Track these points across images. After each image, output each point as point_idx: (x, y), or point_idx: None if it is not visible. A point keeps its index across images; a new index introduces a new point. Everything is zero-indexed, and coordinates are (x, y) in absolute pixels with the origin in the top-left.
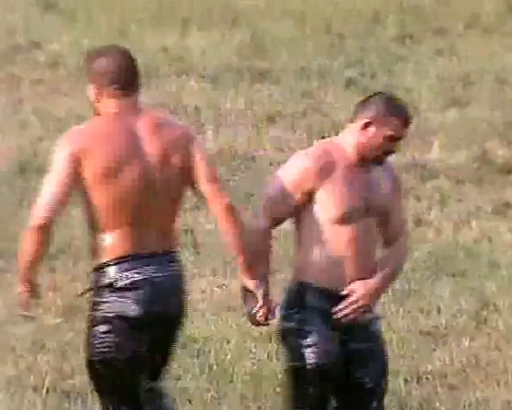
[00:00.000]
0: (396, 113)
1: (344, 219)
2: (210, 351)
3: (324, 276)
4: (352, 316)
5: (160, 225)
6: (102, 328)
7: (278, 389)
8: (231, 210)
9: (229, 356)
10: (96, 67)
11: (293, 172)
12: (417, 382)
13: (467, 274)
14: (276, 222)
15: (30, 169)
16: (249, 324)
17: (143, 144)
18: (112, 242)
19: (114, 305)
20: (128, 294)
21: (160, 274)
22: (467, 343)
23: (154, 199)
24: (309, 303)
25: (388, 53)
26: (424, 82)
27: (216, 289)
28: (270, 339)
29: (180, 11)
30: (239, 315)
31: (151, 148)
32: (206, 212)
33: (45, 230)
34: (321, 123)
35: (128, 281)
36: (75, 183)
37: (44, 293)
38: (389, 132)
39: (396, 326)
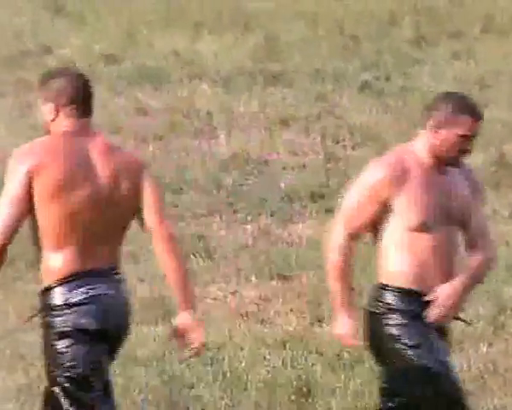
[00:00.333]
0: (466, 110)
1: (424, 228)
2: (224, 358)
3: (411, 281)
4: (443, 319)
5: (106, 245)
6: (64, 343)
7: (293, 397)
8: (173, 241)
9: (242, 364)
10: (54, 87)
11: (367, 183)
12: None
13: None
14: (357, 236)
15: None
16: (264, 330)
17: (95, 165)
18: (60, 261)
19: (70, 319)
20: (83, 308)
21: (111, 291)
22: (484, 349)
23: (101, 220)
24: (402, 307)
25: (404, 55)
26: (440, 85)
27: (229, 295)
28: (285, 346)
29: (190, 14)
30: (252, 322)
31: (102, 169)
32: (219, 218)
33: (2, 251)
34: (335, 126)
35: (82, 297)
36: (30, 200)
37: None
38: (461, 131)
39: None
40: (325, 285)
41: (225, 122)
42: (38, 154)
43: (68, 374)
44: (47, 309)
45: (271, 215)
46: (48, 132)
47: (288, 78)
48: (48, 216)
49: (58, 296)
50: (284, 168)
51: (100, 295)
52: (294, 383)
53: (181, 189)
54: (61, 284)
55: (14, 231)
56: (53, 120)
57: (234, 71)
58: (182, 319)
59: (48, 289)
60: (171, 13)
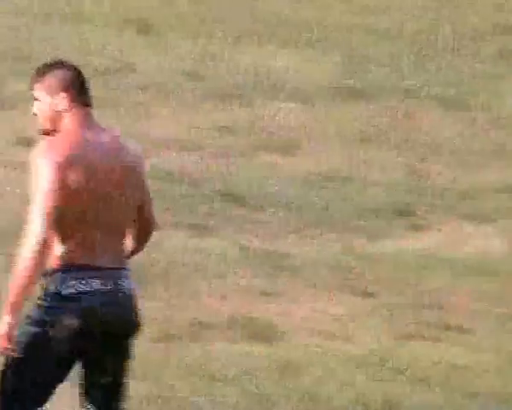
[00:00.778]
0: None
1: None
2: (309, 378)
3: None
4: None
5: (113, 242)
6: (35, 329)
7: None
8: (149, 238)
9: (328, 383)
10: (62, 77)
11: None
12: None
13: None
14: None
15: None
16: (349, 348)
17: (110, 161)
18: (64, 251)
19: (54, 312)
20: (70, 304)
21: (105, 288)
22: None
23: (110, 214)
24: None
25: (489, 72)
26: None
27: (316, 315)
28: (369, 364)
29: (270, 29)
30: (338, 340)
31: (116, 165)
32: (304, 236)
33: (46, 249)
34: (419, 144)
35: (72, 290)
36: (61, 192)
37: None
38: None
39: None
40: (411, 302)
41: (308, 139)
42: (63, 149)
43: (25, 356)
44: (40, 292)
45: (355, 232)
46: (50, 122)
47: (370, 94)
48: (63, 208)
49: (51, 284)
50: (368, 185)
51: (93, 291)
52: (381, 403)
53: (264, 207)
54: (57, 272)
55: (53, 226)
56: (66, 111)
57: (315, 87)
58: None
59: (46, 275)
60: (253, 30)
